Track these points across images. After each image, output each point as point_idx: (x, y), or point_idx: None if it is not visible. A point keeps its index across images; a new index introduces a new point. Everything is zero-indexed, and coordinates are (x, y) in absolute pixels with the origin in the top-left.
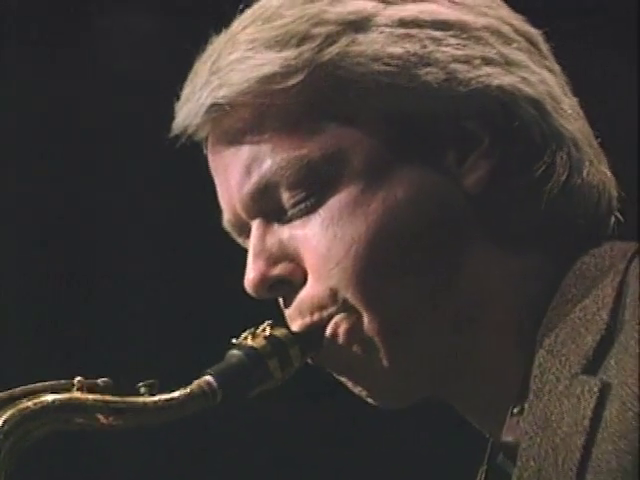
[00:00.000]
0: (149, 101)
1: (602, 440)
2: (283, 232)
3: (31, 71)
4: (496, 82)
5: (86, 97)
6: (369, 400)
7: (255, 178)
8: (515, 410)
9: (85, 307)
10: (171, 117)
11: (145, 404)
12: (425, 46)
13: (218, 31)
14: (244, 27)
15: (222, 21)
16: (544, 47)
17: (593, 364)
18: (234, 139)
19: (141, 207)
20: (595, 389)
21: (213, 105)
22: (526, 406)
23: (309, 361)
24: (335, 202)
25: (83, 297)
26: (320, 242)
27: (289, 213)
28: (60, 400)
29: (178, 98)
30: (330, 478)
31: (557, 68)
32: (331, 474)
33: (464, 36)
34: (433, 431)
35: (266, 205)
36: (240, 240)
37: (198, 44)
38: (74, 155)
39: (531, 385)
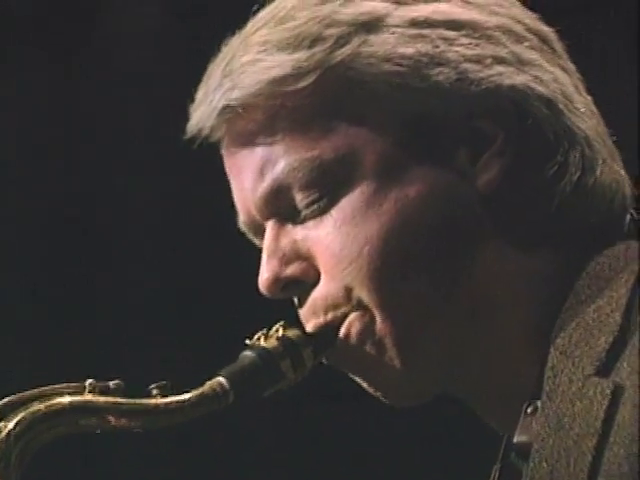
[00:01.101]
0: (150, 100)
1: (614, 443)
2: (297, 232)
3: (31, 71)
4: (508, 81)
5: (86, 96)
6: (383, 399)
7: (268, 181)
8: (529, 410)
9: (96, 308)
10: (172, 119)
11: (157, 406)
12: (437, 46)
13: (225, 32)
14: (257, 29)
15: (229, 22)
16: (557, 45)
17: (606, 366)
18: (247, 141)
19: (155, 206)
20: (608, 391)
21: (226, 107)
22: (539, 407)
23: (323, 361)
24: (348, 202)
25: (94, 298)
26: (333, 242)
27: (302, 214)
28: (72, 402)
29: (188, 99)
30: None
31: (571, 66)
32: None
33: (476, 35)
34: (449, 429)
35: (280, 206)
36: (256, 241)
37: (204, 46)
38: (74, 155)
39: (544, 386)
